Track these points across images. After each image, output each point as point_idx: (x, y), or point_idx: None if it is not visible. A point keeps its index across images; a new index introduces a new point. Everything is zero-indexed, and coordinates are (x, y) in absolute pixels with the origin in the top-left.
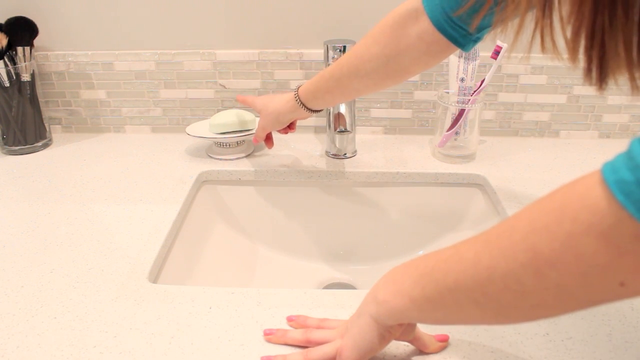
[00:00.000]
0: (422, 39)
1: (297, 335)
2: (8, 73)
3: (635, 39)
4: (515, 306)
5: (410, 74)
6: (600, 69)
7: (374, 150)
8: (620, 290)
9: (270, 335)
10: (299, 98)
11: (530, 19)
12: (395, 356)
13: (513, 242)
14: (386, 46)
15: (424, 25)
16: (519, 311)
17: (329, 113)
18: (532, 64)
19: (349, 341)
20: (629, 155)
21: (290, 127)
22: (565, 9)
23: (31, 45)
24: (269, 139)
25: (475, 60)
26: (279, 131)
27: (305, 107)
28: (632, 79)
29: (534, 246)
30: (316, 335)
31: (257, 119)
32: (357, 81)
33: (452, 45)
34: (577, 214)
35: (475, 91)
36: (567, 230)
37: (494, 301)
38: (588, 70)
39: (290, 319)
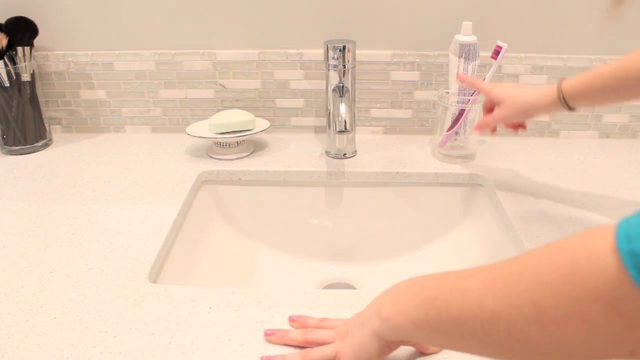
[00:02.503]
0: None
1: (297, 335)
2: (8, 73)
3: None
4: (519, 350)
5: None
6: None
7: (374, 150)
8: (630, 357)
9: (271, 336)
10: (562, 95)
11: None
12: (395, 356)
13: (518, 292)
14: None
15: None
16: (523, 355)
17: (329, 113)
18: (532, 63)
19: (349, 348)
20: None
21: (523, 125)
22: None
23: (31, 45)
24: (494, 128)
25: (475, 60)
26: (510, 127)
27: (566, 104)
28: None
29: (539, 301)
30: (315, 335)
31: (257, 119)
32: None
33: None
34: (586, 279)
35: (475, 91)
36: (575, 294)
37: (498, 343)
38: None
39: (291, 319)
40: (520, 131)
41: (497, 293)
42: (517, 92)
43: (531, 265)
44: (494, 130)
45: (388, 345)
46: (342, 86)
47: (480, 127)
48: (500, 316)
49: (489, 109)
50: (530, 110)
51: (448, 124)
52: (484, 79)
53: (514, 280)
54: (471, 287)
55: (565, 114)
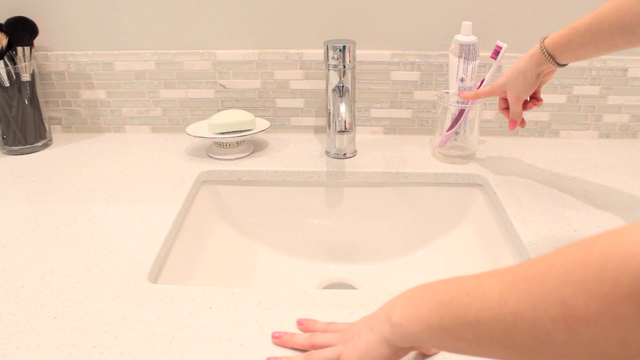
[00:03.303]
0: None
1: (302, 340)
2: (8, 73)
3: None
4: (542, 352)
5: None
6: None
7: (374, 150)
8: None
9: (277, 339)
10: (545, 50)
11: None
12: None
13: (543, 291)
14: None
15: None
16: (545, 358)
17: (329, 113)
18: None
19: (353, 352)
20: None
21: (536, 97)
22: None
23: (31, 45)
24: (522, 120)
25: (475, 60)
26: (528, 106)
27: (553, 60)
28: None
29: (567, 300)
30: (320, 339)
31: (257, 119)
32: (620, 37)
33: None
34: (619, 276)
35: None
36: (606, 292)
37: (519, 345)
38: None
39: (300, 323)
40: (538, 105)
41: (520, 293)
42: (509, 70)
43: (558, 264)
44: (523, 122)
45: (397, 352)
46: (342, 86)
47: (512, 123)
48: (524, 317)
49: (506, 107)
50: (527, 75)
51: (448, 124)
52: (484, 79)
53: (538, 279)
54: (490, 289)
55: (565, 113)
